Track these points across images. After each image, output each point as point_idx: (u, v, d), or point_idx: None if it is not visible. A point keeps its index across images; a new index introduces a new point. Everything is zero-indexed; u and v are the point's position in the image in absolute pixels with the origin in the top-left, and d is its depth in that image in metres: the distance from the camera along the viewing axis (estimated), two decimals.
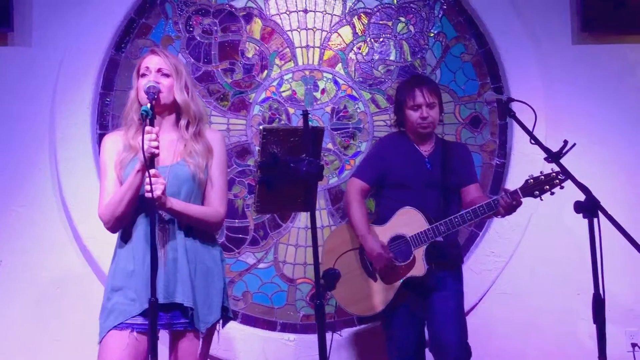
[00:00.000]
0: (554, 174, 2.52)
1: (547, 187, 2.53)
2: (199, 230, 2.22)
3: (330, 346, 2.67)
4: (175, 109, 2.25)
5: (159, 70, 2.23)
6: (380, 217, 2.83)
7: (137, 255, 2.16)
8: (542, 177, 2.54)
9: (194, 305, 2.15)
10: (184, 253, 2.16)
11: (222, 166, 2.28)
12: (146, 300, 2.04)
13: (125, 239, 2.21)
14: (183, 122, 2.24)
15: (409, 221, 2.69)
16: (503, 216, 2.64)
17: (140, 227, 2.17)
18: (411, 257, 2.69)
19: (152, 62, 2.24)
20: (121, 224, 2.18)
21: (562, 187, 2.51)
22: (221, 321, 2.26)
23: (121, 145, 2.23)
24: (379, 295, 2.72)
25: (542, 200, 2.56)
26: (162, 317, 2.13)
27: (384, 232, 2.74)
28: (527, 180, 2.56)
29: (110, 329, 2.13)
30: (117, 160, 2.21)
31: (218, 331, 2.26)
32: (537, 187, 2.54)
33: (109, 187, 2.20)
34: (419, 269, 2.68)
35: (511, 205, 2.57)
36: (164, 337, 2.24)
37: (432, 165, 2.78)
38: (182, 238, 2.17)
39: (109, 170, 2.21)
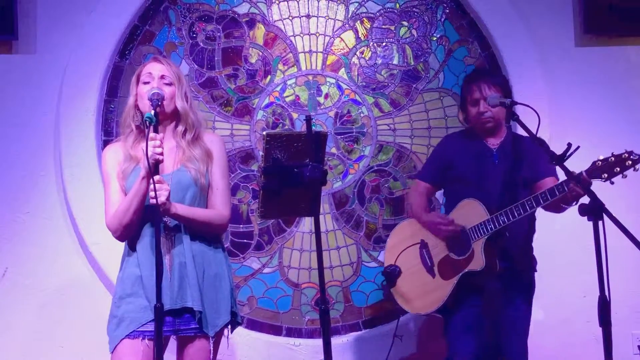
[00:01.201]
0: (627, 154, 2.26)
1: (618, 169, 2.27)
2: (205, 235, 2.22)
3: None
4: (174, 117, 2.26)
5: (162, 77, 2.23)
6: (445, 213, 2.75)
7: (144, 263, 2.16)
8: (612, 157, 2.29)
9: (202, 309, 2.15)
10: (191, 258, 2.17)
11: (224, 169, 2.28)
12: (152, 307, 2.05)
13: (132, 247, 2.22)
14: (180, 129, 2.24)
15: (469, 213, 2.57)
16: (570, 204, 2.37)
17: (147, 235, 2.18)
18: (470, 250, 2.55)
19: (155, 69, 2.24)
20: (129, 232, 2.18)
21: (636, 170, 2.25)
22: (229, 326, 2.26)
23: (121, 155, 2.24)
24: (437, 291, 2.60)
25: (612, 183, 2.30)
26: (170, 322, 2.13)
27: None
28: (594, 162, 2.33)
29: (123, 338, 2.13)
30: (119, 170, 2.21)
31: (227, 337, 2.26)
32: (606, 169, 2.29)
33: (114, 197, 2.21)
34: (477, 262, 2.53)
35: (577, 189, 2.31)
36: (172, 344, 2.24)
37: (500, 159, 2.64)
38: (189, 243, 2.18)
39: (112, 181, 2.22)
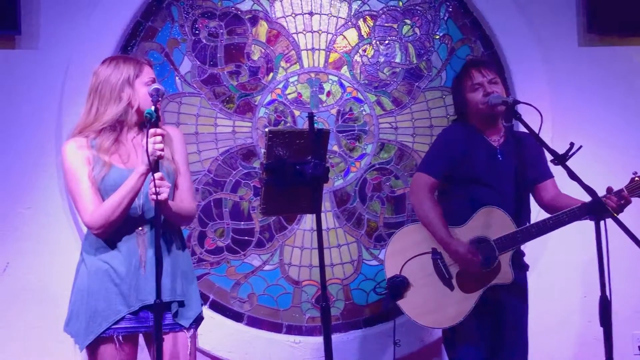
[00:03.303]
0: None
1: None
2: (173, 233, 2.24)
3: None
4: (142, 116, 2.21)
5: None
6: (453, 217, 2.52)
7: (120, 257, 2.16)
8: None
9: (183, 298, 2.19)
10: (166, 253, 2.17)
11: (186, 158, 2.31)
12: (130, 302, 2.12)
13: (106, 241, 2.19)
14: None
15: (492, 222, 2.43)
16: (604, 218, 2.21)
17: (123, 230, 2.17)
18: (496, 263, 2.44)
19: (152, 73, 2.27)
20: (113, 229, 2.15)
21: None
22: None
23: (89, 153, 2.18)
24: (457, 305, 2.45)
25: None
26: (146, 319, 2.14)
27: (463, 234, 2.48)
28: (633, 178, 2.31)
29: (98, 336, 2.13)
30: (89, 170, 2.17)
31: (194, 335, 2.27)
32: None
33: (88, 192, 2.15)
34: (506, 276, 2.43)
35: (620, 205, 2.30)
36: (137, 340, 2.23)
37: (504, 157, 2.53)
38: (160, 238, 2.15)
39: (84, 176, 2.17)
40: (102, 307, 2.15)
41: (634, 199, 2.37)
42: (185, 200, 2.26)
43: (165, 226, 2.20)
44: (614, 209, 2.29)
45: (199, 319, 2.27)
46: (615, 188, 2.39)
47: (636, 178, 2.35)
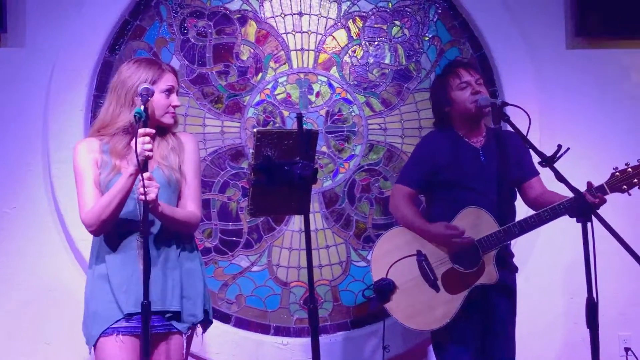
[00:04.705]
0: None
1: (636, 180, 2.33)
2: (179, 235, 2.22)
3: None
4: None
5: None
6: (437, 221, 2.53)
7: (116, 261, 2.16)
8: (630, 169, 2.33)
9: (179, 308, 2.17)
10: (166, 258, 2.17)
11: (196, 168, 2.29)
12: (130, 304, 2.11)
13: (105, 246, 2.20)
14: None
15: (475, 222, 2.43)
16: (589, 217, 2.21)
17: (120, 234, 2.17)
18: (480, 263, 2.44)
19: (174, 82, 2.25)
20: (106, 228, 2.16)
21: None
22: (201, 325, 2.28)
23: (98, 156, 2.20)
24: (443, 306, 2.45)
25: (630, 195, 2.35)
26: (139, 321, 2.12)
27: None
28: (613, 174, 2.34)
29: (100, 336, 2.14)
30: (95, 172, 2.19)
31: (200, 335, 2.29)
32: (624, 181, 2.33)
33: (90, 191, 2.19)
34: (490, 275, 2.43)
35: (601, 201, 2.32)
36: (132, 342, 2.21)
37: (487, 158, 2.54)
38: (163, 243, 2.18)
39: (88, 176, 2.20)
40: (100, 310, 2.17)
41: (616, 197, 2.39)
42: (189, 207, 2.24)
43: (167, 233, 2.19)
44: (595, 204, 2.30)
45: (203, 322, 2.26)
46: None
47: (617, 173, 2.37)
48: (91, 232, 2.19)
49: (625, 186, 2.34)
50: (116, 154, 2.20)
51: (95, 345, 2.17)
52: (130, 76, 2.22)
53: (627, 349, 3.19)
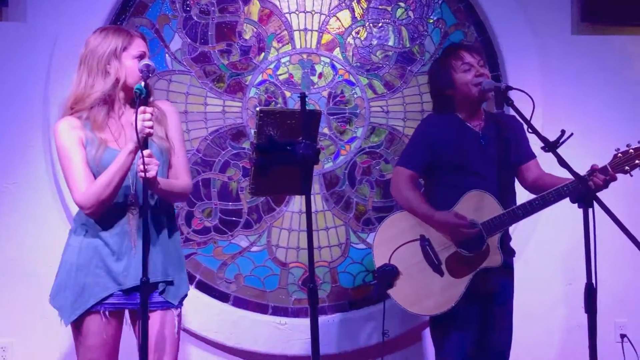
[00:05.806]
0: None
1: (638, 161, 2.35)
2: (165, 214, 2.22)
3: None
4: (131, 91, 2.17)
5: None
6: (440, 205, 2.51)
7: (113, 235, 2.15)
8: (632, 150, 2.36)
9: (173, 279, 2.19)
10: (156, 235, 2.17)
11: (181, 135, 2.28)
12: (120, 280, 2.11)
13: (95, 220, 2.17)
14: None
15: (478, 205, 2.42)
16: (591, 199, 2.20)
17: (112, 210, 2.15)
18: (484, 246, 2.43)
19: (144, 46, 2.22)
20: (104, 208, 2.12)
21: None
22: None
23: (82, 134, 2.16)
24: (447, 291, 2.43)
25: (631, 176, 2.38)
26: (135, 296, 2.12)
27: None
28: (615, 155, 2.37)
29: (85, 312, 2.13)
30: (82, 150, 2.15)
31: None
32: (627, 162, 2.36)
33: (80, 171, 2.13)
34: (495, 259, 2.42)
35: (605, 182, 2.33)
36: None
37: (487, 142, 2.53)
38: (151, 218, 2.17)
39: (76, 155, 2.14)
40: (90, 282, 2.14)
41: (615, 186, 2.41)
42: (179, 177, 2.24)
43: (157, 207, 2.18)
44: (600, 186, 2.32)
45: (184, 298, 2.27)
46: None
47: (619, 154, 2.38)
48: (89, 213, 2.13)
49: (627, 167, 2.36)
50: (97, 126, 2.15)
51: (77, 320, 2.14)
52: (100, 44, 2.17)
53: (622, 336, 3.21)
